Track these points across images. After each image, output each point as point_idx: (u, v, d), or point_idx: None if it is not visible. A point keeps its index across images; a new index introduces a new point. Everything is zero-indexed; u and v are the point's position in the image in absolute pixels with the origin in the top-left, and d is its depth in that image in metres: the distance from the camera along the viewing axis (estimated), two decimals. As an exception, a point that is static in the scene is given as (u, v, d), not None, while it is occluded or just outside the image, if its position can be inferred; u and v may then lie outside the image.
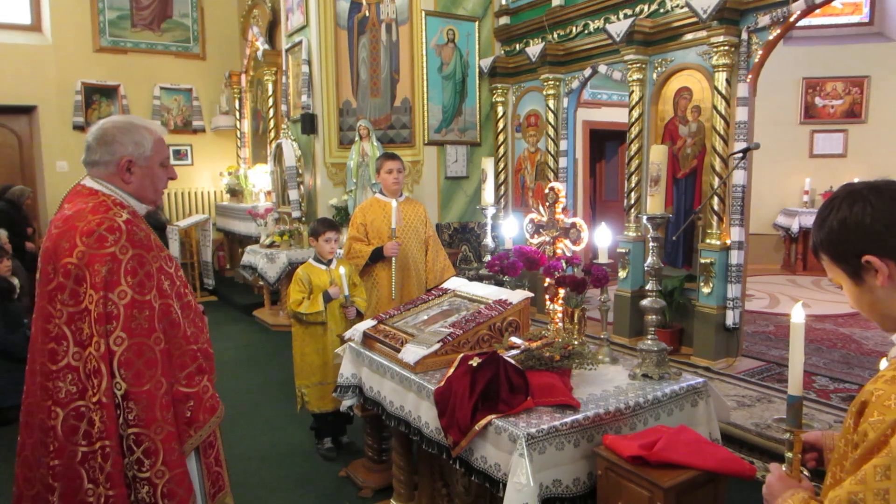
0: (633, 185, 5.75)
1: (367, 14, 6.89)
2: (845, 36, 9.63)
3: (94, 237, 1.84)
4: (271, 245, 7.39)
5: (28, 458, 1.95)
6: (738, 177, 4.90)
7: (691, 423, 2.54)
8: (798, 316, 1.31)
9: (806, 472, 1.42)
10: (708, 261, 5.06)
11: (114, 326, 1.80)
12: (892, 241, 1.16)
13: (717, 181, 5.02)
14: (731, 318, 5.01)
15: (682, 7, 5.14)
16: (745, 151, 4.68)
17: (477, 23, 7.23)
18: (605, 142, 9.67)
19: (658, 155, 2.56)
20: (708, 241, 5.12)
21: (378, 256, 4.29)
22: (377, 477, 3.63)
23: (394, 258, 4.28)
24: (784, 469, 1.35)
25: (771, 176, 9.29)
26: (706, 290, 5.09)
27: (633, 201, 5.76)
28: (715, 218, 5.08)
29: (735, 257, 4.98)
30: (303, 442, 4.23)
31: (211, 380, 2.06)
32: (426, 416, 2.61)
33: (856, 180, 1.31)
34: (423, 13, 6.87)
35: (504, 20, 7.18)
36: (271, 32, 8.48)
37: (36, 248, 7.80)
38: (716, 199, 5.03)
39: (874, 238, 1.17)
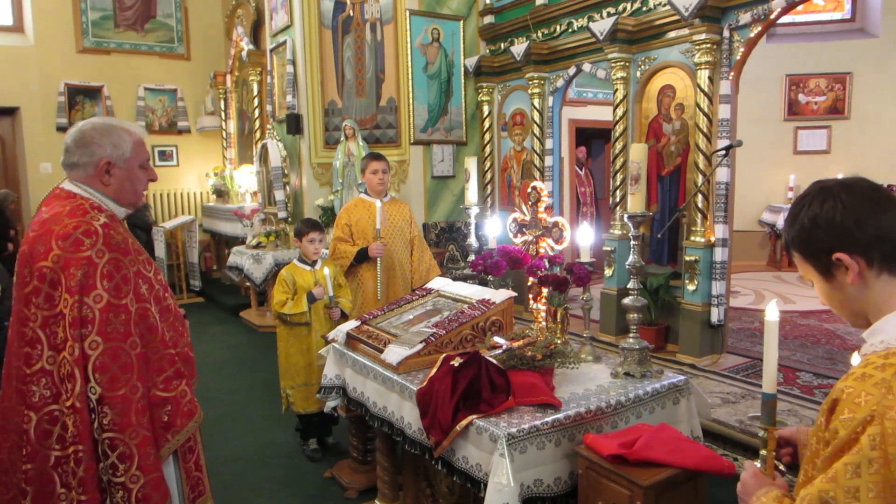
0: (618, 183, 5.76)
1: (352, 14, 6.87)
2: (828, 33, 9.71)
3: (69, 241, 1.83)
4: (257, 246, 7.36)
5: (4, 463, 1.93)
6: (722, 174, 4.93)
7: (673, 420, 2.55)
8: (772, 314, 1.31)
9: (781, 467, 1.43)
10: (692, 258, 5.09)
11: (89, 330, 1.78)
12: (863, 238, 1.17)
13: (700, 179, 5.04)
14: (715, 315, 5.04)
15: (664, 5, 5.15)
16: (727, 149, 4.71)
17: (462, 22, 7.23)
18: (591, 140, 9.69)
19: (638, 153, 2.57)
20: (692, 238, 5.15)
21: (363, 257, 4.27)
22: (362, 478, 3.62)
23: (379, 259, 4.27)
24: (758, 466, 1.35)
25: (756, 173, 9.35)
26: (691, 287, 5.12)
27: (618, 199, 5.78)
28: (699, 215, 5.10)
29: (719, 254, 5.00)
30: (288, 443, 4.21)
31: (189, 384, 2.04)
32: (409, 416, 2.60)
33: (840, 176, 1.31)
34: (408, 12, 6.86)
35: (489, 19, 7.18)
36: (256, 32, 8.43)
37: (16, 249, 7.72)
38: (700, 197, 5.05)
39: (844, 235, 1.18)
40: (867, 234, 1.16)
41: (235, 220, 8.44)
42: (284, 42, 7.01)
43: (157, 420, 1.89)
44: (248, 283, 7.51)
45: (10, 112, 8.91)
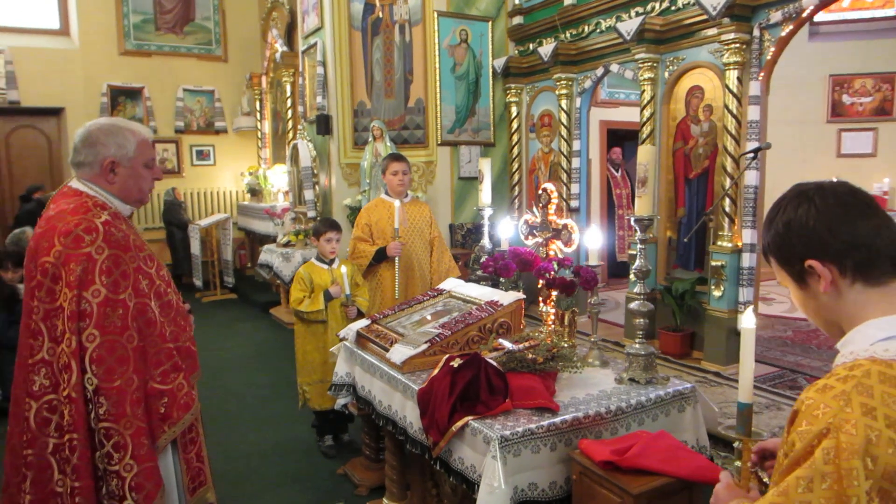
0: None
1: (381, 15, 6.92)
2: (875, 31, 9.35)
3: (70, 237, 1.90)
4: (287, 244, 7.48)
5: (15, 447, 2.01)
6: (751, 177, 4.80)
7: (677, 428, 2.50)
8: (748, 321, 1.28)
9: (766, 479, 1.39)
10: (719, 263, 4.98)
11: (87, 324, 1.85)
12: (835, 245, 1.12)
13: (728, 182, 4.93)
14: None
15: (692, 4, 5.05)
16: (756, 151, 4.59)
17: (490, 23, 7.22)
18: (623, 142, 9.55)
19: (646, 155, 2.53)
20: (719, 243, 5.03)
21: (382, 256, 4.30)
22: (374, 475, 3.65)
23: (397, 258, 4.29)
24: (734, 477, 1.32)
25: (796, 176, 8.88)
26: (717, 293, 5.00)
27: (652, 201, 5.68)
28: (727, 220, 4.98)
29: (747, 260, 4.87)
30: (305, 439, 4.27)
31: (188, 378, 2.09)
32: (411, 415, 2.61)
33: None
34: (436, 14, 6.88)
35: (517, 20, 7.15)
36: (290, 35, 8.57)
37: None
38: (727, 201, 4.93)
39: (817, 242, 1.13)
40: (840, 241, 1.11)
41: (268, 219, 8.60)
42: (315, 44, 7.10)
43: (154, 412, 1.95)
44: (278, 281, 7.64)
45: (56, 112, 9.26)
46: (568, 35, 6.47)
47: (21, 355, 1.99)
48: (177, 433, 2.01)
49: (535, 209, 3.17)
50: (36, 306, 1.89)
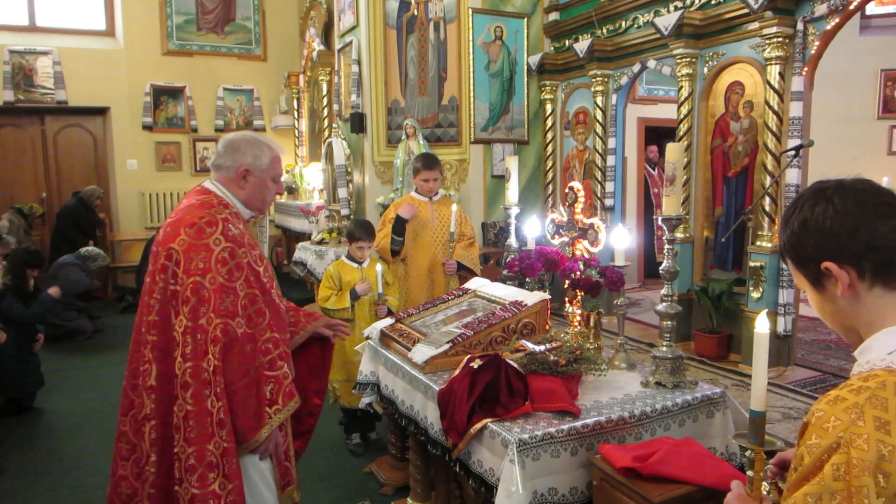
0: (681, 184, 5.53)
1: (416, 13, 6.92)
2: (931, 24, 8.94)
3: (194, 228, 2.09)
4: (321, 242, 7.53)
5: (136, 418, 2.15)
6: (792, 176, 4.64)
7: (705, 435, 2.42)
8: (762, 326, 1.22)
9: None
10: (758, 264, 4.82)
11: (206, 308, 2.02)
12: (854, 247, 1.05)
13: (769, 180, 4.77)
14: (782, 324, 4.75)
15: (733, -2, 4.91)
16: (797, 149, 4.44)
17: (525, 19, 7.13)
18: (662, 139, 9.35)
19: (674, 153, 2.45)
20: (759, 243, 4.88)
21: (401, 228, 4.21)
22: (399, 475, 3.65)
23: (422, 258, 4.28)
24: (746, 488, 1.26)
25: (844, 175, 8.73)
26: (756, 294, 4.85)
27: (681, 200, 5.55)
28: (766, 219, 4.83)
29: (788, 261, 4.71)
30: (332, 436, 4.29)
31: (291, 368, 2.20)
32: (432, 416, 2.59)
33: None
34: (471, 11, 6.83)
35: (553, 16, 7.06)
36: (327, 33, 8.62)
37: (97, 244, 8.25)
38: (767, 200, 4.78)
39: (834, 243, 1.07)
40: (859, 242, 1.05)
41: (303, 217, 8.69)
42: (351, 42, 7.15)
43: (261, 396, 2.06)
44: (312, 278, 7.71)
45: (102, 112, 9.52)
46: (604, 31, 6.36)
47: (140, 332, 2.15)
48: (280, 420, 2.12)
49: (562, 208, 3.12)
50: (160, 287, 2.08)
